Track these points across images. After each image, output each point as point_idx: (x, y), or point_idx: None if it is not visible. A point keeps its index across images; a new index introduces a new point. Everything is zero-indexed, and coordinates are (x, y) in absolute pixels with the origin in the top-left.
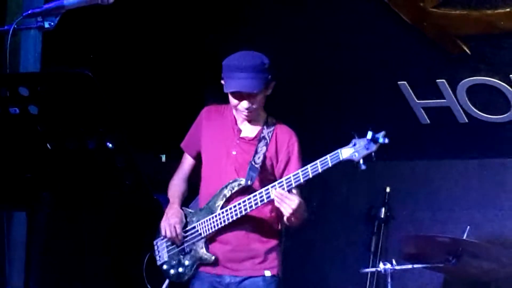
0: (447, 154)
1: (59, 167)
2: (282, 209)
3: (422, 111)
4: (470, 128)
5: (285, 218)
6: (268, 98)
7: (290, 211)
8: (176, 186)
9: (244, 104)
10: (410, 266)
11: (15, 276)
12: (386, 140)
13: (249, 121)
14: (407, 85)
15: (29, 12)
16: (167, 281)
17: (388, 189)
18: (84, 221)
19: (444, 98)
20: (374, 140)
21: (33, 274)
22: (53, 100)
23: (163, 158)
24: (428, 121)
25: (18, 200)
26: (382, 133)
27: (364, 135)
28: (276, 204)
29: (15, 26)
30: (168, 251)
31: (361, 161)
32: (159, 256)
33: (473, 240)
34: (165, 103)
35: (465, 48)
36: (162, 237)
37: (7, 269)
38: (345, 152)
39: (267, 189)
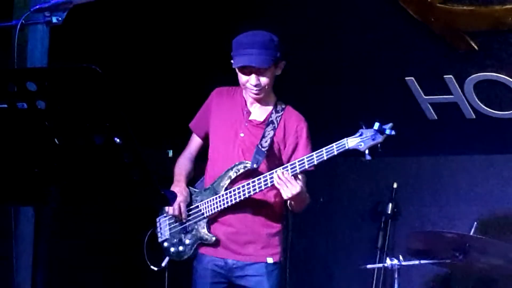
0: (454, 150)
1: (66, 162)
2: (282, 191)
3: (430, 107)
4: (477, 124)
5: (288, 203)
6: (275, 94)
7: (289, 195)
8: (183, 165)
9: (253, 80)
10: (417, 262)
11: (22, 270)
12: (393, 132)
13: (259, 103)
14: (414, 80)
15: (37, 7)
16: (167, 259)
17: (395, 185)
18: (90, 216)
19: (452, 94)
20: (380, 131)
21: (40, 268)
22: (61, 95)
23: (170, 153)
24: (436, 117)
25: (26, 195)
26: (390, 124)
27: (372, 126)
28: (277, 185)
29: (23, 21)
30: (170, 229)
31: (367, 152)
32: (161, 233)
33: (480, 236)
34: (172, 99)
35: (473, 44)
36: (165, 215)
37: (14, 263)
38: (351, 142)
39: (272, 173)
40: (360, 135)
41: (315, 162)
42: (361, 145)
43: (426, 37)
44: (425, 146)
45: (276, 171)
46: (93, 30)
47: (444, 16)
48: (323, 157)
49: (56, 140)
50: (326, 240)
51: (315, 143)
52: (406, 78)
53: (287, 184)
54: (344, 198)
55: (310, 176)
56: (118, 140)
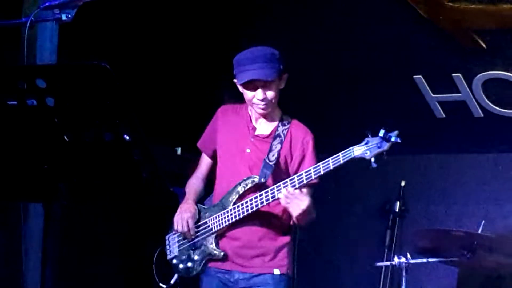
0: (462, 148)
1: (76, 159)
2: (290, 209)
3: (438, 105)
4: (485, 122)
5: (293, 218)
6: (283, 93)
7: (300, 211)
8: (193, 184)
9: (259, 95)
10: (424, 260)
11: (31, 267)
12: (399, 140)
13: (265, 118)
14: (422, 79)
15: (47, 4)
16: (176, 276)
17: (403, 183)
18: (100, 213)
19: (460, 92)
20: (386, 139)
21: (50, 265)
22: (71, 92)
23: (179, 151)
24: (444, 115)
25: (35, 192)
26: (395, 132)
27: (377, 134)
28: (284, 204)
29: (32, 18)
30: (178, 246)
31: (373, 160)
32: (170, 251)
33: (488, 234)
34: (181, 96)
35: (481, 43)
36: (174, 232)
37: (23, 260)
38: (357, 150)
39: (279, 185)
40: (366, 143)
41: (322, 173)
42: (367, 153)
43: (435, 35)
44: (433, 145)
45: (280, 191)
46: (103, 28)
47: (453, 15)
48: (329, 167)
49: (65, 137)
50: (334, 238)
51: (324, 141)
52: (415, 76)
53: (294, 201)
54: (352, 196)
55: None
56: (127, 137)
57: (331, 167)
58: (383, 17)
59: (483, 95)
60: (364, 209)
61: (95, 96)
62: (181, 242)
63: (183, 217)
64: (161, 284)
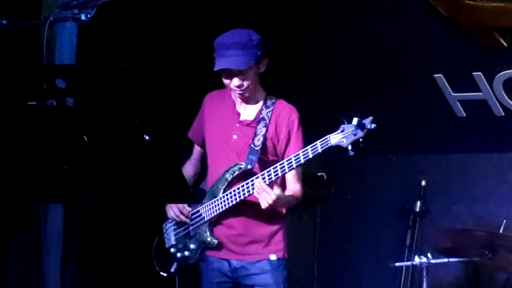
0: (483, 148)
1: (95, 160)
2: (260, 200)
3: (458, 104)
4: (506, 121)
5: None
6: (301, 90)
7: (266, 204)
8: (185, 170)
9: (235, 82)
10: (445, 260)
11: (51, 267)
12: (373, 126)
13: (247, 103)
14: (443, 78)
15: (66, 3)
16: (175, 264)
17: (423, 183)
18: (120, 213)
19: (480, 91)
20: (360, 126)
21: (69, 265)
22: (90, 92)
23: None
24: (464, 114)
25: (55, 193)
26: (369, 118)
27: (352, 121)
28: (255, 194)
29: (52, 18)
30: (175, 234)
31: (349, 147)
32: (167, 239)
33: (509, 234)
34: (199, 97)
35: (502, 41)
36: (170, 220)
37: (43, 259)
38: (334, 139)
39: (264, 173)
40: (342, 131)
41: (302, 161)
42: (343, 141)
43: (455, 34)
44: (454, 144)
45: (256, 180)
46: (122, 27)
47: (473, 13)
48: (309, 155)
49: (85, 137)
50: (354, 237)
51: None
52: (435, 75)
53: (264, 194)
54: (372, 196)
55: (339, 174)
56: (147, 138)
57: (310, 156)
58: (404, 16)
59: (504, 94)
60: (385, 209)
61: (114, 96)
62: (177, 231)
63: (171, 204)
64: (161, 273)
